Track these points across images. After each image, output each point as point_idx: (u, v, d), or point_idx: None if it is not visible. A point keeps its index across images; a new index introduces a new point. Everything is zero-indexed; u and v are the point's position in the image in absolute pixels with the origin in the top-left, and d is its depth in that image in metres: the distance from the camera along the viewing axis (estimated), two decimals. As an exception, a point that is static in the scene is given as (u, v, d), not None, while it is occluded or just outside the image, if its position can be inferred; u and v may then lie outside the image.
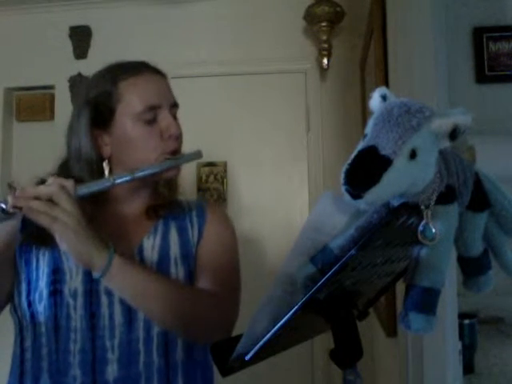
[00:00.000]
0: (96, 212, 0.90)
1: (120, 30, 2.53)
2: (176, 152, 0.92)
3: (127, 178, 0.86)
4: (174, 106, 0.95)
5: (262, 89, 2.46)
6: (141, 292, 0.85)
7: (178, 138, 0.93)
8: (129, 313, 0.88)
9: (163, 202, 0.98)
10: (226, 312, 0.94)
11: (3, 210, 0.75)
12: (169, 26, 2.51)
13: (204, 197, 2.46)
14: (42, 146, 2.51)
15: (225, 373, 0.60)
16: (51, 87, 2.59)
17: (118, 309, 0.87)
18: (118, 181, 0.85)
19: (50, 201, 0.77)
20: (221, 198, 2.46)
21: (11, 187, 0.79)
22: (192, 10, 2.50)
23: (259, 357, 0.54)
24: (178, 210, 0.99)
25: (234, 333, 0.64)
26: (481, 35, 1.73)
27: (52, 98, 2.60)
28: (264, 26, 2.46)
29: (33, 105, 2.62)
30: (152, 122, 0.90)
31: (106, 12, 2.55)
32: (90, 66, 2.61)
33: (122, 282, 0.83)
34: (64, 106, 2.51)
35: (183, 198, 1.03)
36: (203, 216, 1.00)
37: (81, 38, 2.55)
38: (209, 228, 0.99)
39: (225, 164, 2.47)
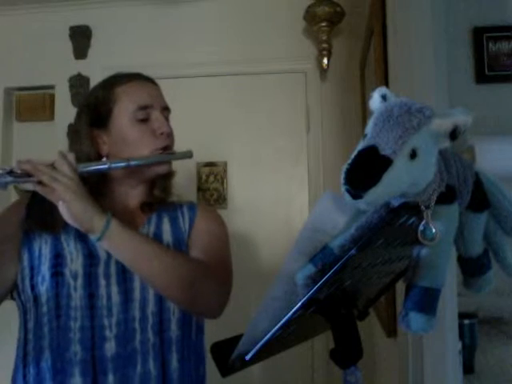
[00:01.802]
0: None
1: (120, 30, 2.53)
2: (168, 148, 1.02)
3: (122, 164, 0.94)
4: (166, 109, 1.05)
5: (262, 89, 2.45)
6: (138, 253, 0.89)
7: (169, 135, 1.03)
8: (125, 293, 0.94)
9: (157, 200, 1.06)
10: (221, 282, 0.99)
11: (11, 171, 0.83)
12: (169, 26, 2.51)
13: (204, 197, 2.46)
14: (41, 146, 2.51)
15: (225, 373, 0.60)
16: (51, 87, 2.59)
17: (115, 290, 0.93)
18: (114, 165, 0.93)
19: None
20: (221, 198, 2.46)
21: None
22: (192, 10, 2.50)
23: (259, 357, 0.54)
24: (170, 206, 1.07)
25: (234, 333, 0.63)
26: (481, 35, 1.73)
27: (52, 98, 2.59)
28: (264, 26, 2.45)
29: (33, 105, 2.61)
30: (145, 120, 1.00)
31: (106, 12, 2.54)
32: (90, 66, 2.63)
33: (120, 243, 0.88)
34: (64, 106, 2.51)
35: (176, 199, 1.10)
36: (194, 210, 1.09)
37: (81, 38, 2.54)
38: (199, 221, 1.07)
39: (225, 164, 2.47)
